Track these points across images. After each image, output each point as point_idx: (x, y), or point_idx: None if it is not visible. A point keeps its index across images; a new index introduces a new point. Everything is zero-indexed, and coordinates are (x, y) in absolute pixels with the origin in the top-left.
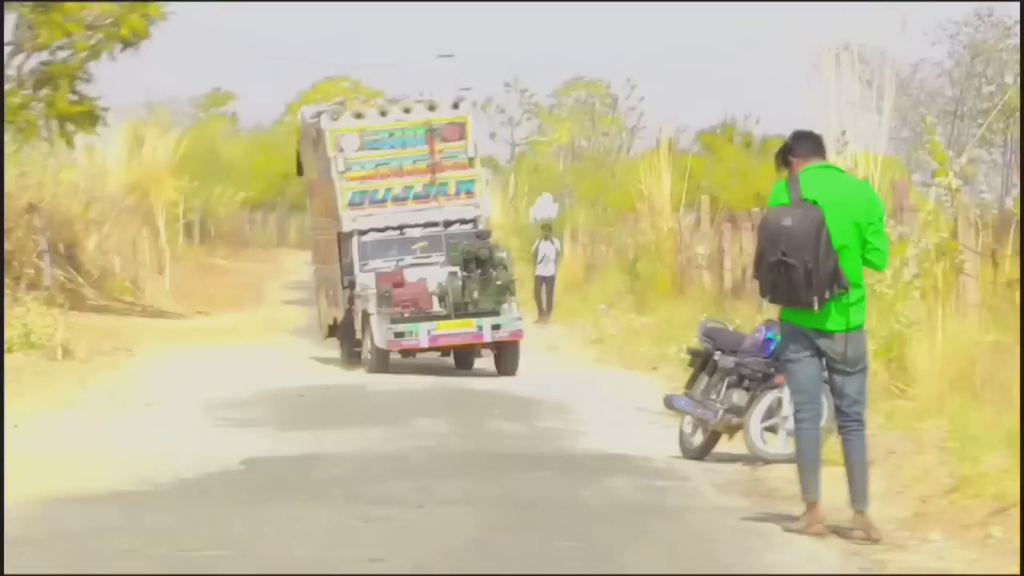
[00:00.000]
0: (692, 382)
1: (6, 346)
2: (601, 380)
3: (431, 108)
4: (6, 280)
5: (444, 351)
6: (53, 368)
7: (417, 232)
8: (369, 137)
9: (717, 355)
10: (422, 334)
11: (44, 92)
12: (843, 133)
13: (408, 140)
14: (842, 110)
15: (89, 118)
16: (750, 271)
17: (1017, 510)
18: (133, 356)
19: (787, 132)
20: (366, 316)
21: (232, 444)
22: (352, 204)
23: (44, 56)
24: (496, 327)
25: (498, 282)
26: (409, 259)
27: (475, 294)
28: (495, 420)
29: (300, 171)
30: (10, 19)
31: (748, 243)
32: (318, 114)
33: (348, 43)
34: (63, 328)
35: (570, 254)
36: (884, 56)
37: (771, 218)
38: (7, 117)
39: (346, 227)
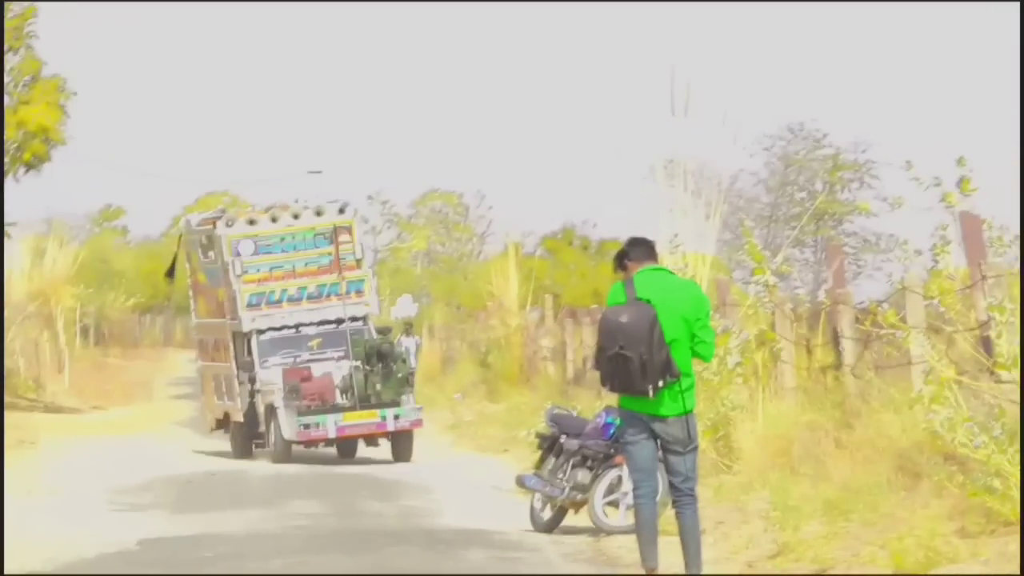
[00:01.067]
0: (541, 463)
1: None
2: (458, 462)
3: (318, 214)
4: None
5: (329, 442)
6: None
7: (312, 330)
8: (263, 242)
9: (563, 438)
10: (330, 425)
11: None
12: (675, 235)
13: (299, 244)
14: (673, 215)
15: None
16: (591, 362)
17: (836, 573)
18: (37, 448)
19: (622, 235)
20: (271, 409)
21: (129, 526)
22: (250, 305)
23: None
24: (397, 416)
25: (399, 375)
26: (305, 355)
27: (378, 386)
28: (363, 500)
29: (170, 274)
30: None
31: (588, 336)
32: (209, 220)
33: (224, 161)
34: None
35: (428, 348)
36: (705, 167)
37: (609, 315)
38: None
39: (246, 327)
